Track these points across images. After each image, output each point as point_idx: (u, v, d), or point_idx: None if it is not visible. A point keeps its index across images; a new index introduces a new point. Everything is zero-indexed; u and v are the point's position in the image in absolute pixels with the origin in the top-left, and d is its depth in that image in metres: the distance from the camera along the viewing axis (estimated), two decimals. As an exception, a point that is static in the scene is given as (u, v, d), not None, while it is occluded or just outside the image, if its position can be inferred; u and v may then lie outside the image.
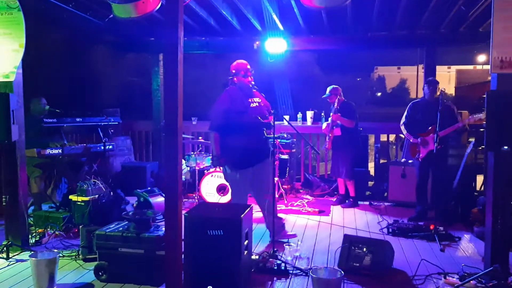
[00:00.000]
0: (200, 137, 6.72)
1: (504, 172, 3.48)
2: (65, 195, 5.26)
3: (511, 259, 3.68)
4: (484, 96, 3.40)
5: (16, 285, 3.54)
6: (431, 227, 4.68)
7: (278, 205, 5.36)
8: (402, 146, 5.74)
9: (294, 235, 4.65)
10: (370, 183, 7.06)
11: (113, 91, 8.69)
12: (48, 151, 5.08)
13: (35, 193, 5.31)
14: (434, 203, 5.45)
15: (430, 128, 5.14)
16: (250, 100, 4.44)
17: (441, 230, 4.67)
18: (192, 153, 6.33)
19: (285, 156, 6.52)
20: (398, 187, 6.21)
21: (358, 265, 3.71)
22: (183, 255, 3.39)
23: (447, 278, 3.60)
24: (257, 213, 4.79)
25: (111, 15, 4.20)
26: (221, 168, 4.65)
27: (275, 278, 3.64)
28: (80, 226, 4.12)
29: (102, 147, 5.67)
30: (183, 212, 3.41)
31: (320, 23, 6.63)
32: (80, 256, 4.04)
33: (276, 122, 4.32)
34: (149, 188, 5.73)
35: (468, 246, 4.51)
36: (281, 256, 4.00)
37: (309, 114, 7.43)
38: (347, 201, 6.27)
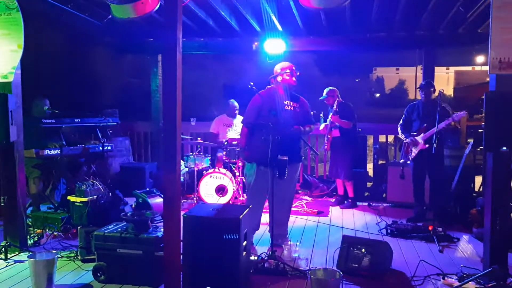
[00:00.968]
0: (198, 138, 6.69)
1: (502, 173, 3.49)
2: (63, 196, 5.24)
3: (510, 260, 3.68)
4: (483, 97, 3.41)
5: (14, 286, 3.53)
6: (430, 228, 4.69)
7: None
8: (401, 147, 5.74)
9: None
10: (369, 184, 7.07)
11: (111, 92, 8.65)
12: (47, 151, 5.06)
13: (34, 193, 5.30)
14: (433, 204, 5.45)
15: (421, 128, 5.19)
16: (286, 103, 4.48)
17: (439, 231, 4.67)
18: (191, 153, 6.31)
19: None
20: (397, 188, 6.21)
21: (357, 266, 3.71)
22: (181, 256, 3.39)
23: (446, 279, 3.60)
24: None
25: (110, 16, 4.18)
26: (246, 162, 4.69)
27: (274, 279, 3.63)
28: (79, 227, 4.11)
29: (101, 148, 5.66)
30: (182, 213, 3.41)
31: (319, 24, 6.64)
32: (79, 257, 4.03)
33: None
34: (147, 189, 5.72)
35: (466, 247, 4.51)
36: (280, 257, 3.99)
37: (308, 115, 7.41)
38: (345, 202, 6.28)
